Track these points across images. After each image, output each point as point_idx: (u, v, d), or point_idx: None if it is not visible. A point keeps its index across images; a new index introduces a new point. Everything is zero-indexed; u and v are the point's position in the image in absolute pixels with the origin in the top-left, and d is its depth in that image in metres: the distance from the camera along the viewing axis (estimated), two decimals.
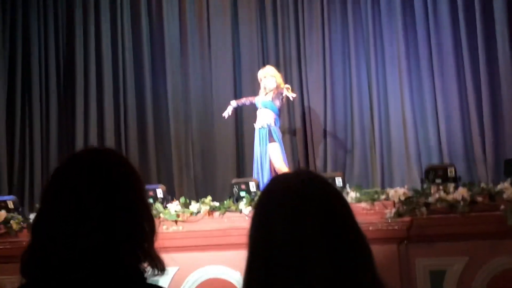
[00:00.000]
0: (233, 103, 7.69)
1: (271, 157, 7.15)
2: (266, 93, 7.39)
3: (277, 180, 1.48)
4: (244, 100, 7.69)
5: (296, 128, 8.35)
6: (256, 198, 6.32)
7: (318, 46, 8.32)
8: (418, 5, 7.90)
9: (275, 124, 7.26)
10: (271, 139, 7.17)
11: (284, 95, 7.21)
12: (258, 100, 7.41)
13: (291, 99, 7.27)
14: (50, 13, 8.97)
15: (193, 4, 8.94)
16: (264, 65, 8.13)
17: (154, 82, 8.89)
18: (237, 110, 8.53)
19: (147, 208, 1.53)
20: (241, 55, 8.72)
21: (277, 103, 7.28)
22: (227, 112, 7.67)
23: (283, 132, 7.60)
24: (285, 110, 8.21)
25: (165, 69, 8.89)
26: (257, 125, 7.33)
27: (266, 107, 7.30)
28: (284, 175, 1.51)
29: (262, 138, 7.22)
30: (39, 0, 8.97)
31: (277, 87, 7.33)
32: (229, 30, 8.73)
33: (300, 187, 1.40)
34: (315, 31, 8.36)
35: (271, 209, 1.39)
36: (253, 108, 7.55)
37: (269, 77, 7.37)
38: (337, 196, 1.43)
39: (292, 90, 7.32)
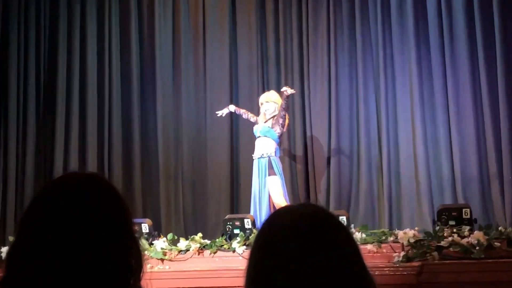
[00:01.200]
0: (232, 108, 7.70)
1: (270, 191, 7.12)
2: (266, 120, 7.38)
3: (279, 214, 1.46)
4: (244, 112, 7.66)
5: (297, 159, 8.34)
6: (252, 235, 6.31)
7: (323, 71, 8.35)
8: (433, 31, 7.95)
9: (275, 154, 7.24)
10: (271, 171, 7.14)
11: (283, 94, 7.17)
12: (257, 128, 7.40)
13: (288, 92, 7.18)
14: (31, 26, 8.99)
15: (188, 20, 9.00)
16: (264, 90, 8.15)
17: (143, 105, 8.90)
18: (233, 138, 8.54)
19: (135, 241, 1.51)
20: (239, 78, 8.75)
21: (278, 130, 7.27)
22: (222, 112, 7.69)
23: (282, 163, 7.55)
24: (286, 139, 8.21)
25: (155, 90, 8.91)
26: (255, 155, 7.30)
27: (265, 135, 7.28)
28: (287, 208, 1.49)
29: (261, 169, 7.20)
30: (19, 13, 8.97)
31: (279, 114, 7.30)
32: (226, 50, 8.77)
33: (305, 223, 1.39)
34: (320, 54, 8.40)
35: (271, 247, 1.37)
36: (251, 135, 7.53)
37: (271, 102, 7.36)
38: (346, 235, 1.42)
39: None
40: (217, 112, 7.76)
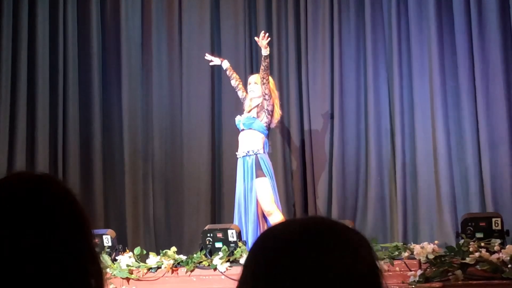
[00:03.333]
0: (225, 64, 7.69)
1: (258, 196, 7.12)
2: (250, 109, 7.36)
3: (276, 231, 1.44)
4: (235, 78, 7.60)
5: (292, 157, 8.36)
6: (238, 250, 6.31)
7: (324, 52, 8.36)
8: (457, 5, 7.95)
9: (263, 151, 7.23)
10: (258, 171, 7.13)
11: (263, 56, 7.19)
12: (239, 119, 7.37)
13: (264, 45, 7.18)
14: None
15: None
16: (252, 74, 8.11)
17: (105, 92, 8.90)
18: (215, 132, 8.53)
19: (94, 257, 1.50)
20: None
21: (264, 119, 7.24)
22: (212, 59, 7.75)
23: (274, 162, 7.54)
24: (278, 133, 8.20)
25: (120, 77, 8.91)
26: (239, 153, 7.29)
27: (250, 127, 7.27)
28: (288, 224, 1.46)
29: (247, 170, 7.19)
30: None
31: (262, 90, 7.25)
32: (207, 28, 8.78)
33: (313, 244, 1.36)
34: (321, 33, 8.41)
35: (267, 275, 1.35)
36: (234, 128, 7.52)
37: (260, 85, 7.31)
38: (367, 258, 1.39)
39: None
40: (206, 55, 7.79)
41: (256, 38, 7.37)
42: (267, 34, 7.32)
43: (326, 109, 8.29)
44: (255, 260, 1.39)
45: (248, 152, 7.21)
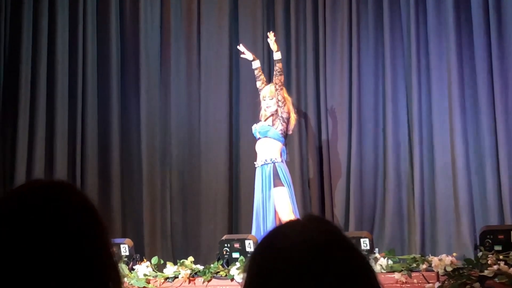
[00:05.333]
0: (256, 64, 7.62)
1: (276, 206, 7.09)
2: (266, 118, 7.36)
3: (279, 231, 1.44)
4: (262, 80, 7.56)
5: (310, 166, 8.32)
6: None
7: (343, 63, 8.35)
8: (476, 17, 7.93)
9: (281, 159, 7.21)
10: (276, 181, 7.09)
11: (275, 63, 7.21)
12: (255, 127, 7.37)
13: (273, 47, 7.24)
14: None
15: (179, 3, 9.00)
16: None
17: (123, 104, 8.92)
18: (232, 141, 8.53)
19: (113, 265, 1.49)
20: (241, 72, 8.75)
21: (279, 126, 7.22)
22: (244, 51, 7.70)
23: (291, 171, 7.49)
24: (296, 141, 8.18)
25: (139, 86, 8.92)
26: (257, 162, 7.27)
27: (266, 136, 7.25)
28: (290, 225, 1.47)
29: (265, 179, 7.16)
30: None
31: (276, 95, 7.24)
32: (226, 39, 8.79)
33: (311, 242, 1.37)
34: (340, 44, 8.40)
35: (269, 272, 1.36)
36: (252, 137, 7.51)
37: (275, 98, 7.29)
38: (361, 261, 1.39)
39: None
40: (240, 46, 7.78)
41: (268, 40, 7.41)
42: (272, 33, 7.34)
43: (344, 119, 8.27)
44: (253, 265, 1.39)
45: (266, 160, 7.19)
